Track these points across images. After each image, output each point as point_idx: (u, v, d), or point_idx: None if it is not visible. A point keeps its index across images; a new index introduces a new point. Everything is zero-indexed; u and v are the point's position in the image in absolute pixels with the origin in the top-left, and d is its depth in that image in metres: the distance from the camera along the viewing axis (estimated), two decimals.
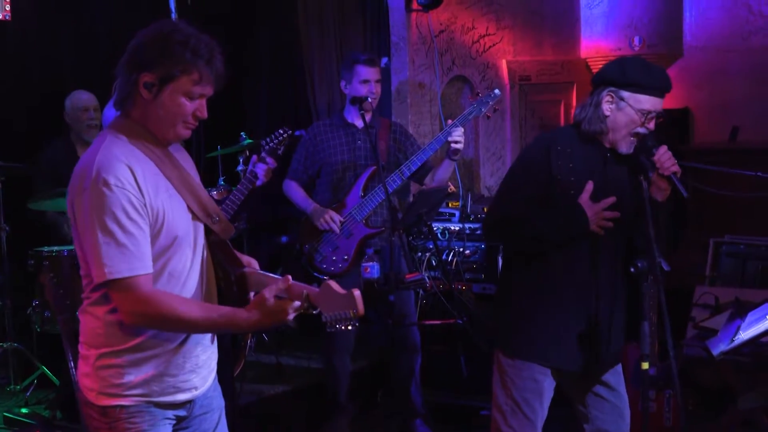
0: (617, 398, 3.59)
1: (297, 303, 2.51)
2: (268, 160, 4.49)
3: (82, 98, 5.78)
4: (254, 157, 4.51)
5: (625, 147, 3.36)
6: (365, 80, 4.94)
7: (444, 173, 4.94)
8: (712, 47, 8.06)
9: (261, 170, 4.46)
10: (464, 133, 4.79)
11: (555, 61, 7.80)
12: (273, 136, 4.55)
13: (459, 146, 4.74)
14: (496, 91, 4.83)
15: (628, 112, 3.31)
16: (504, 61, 7.32)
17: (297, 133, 4.69)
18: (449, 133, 4.72)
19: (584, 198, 3.34)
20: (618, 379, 3.61)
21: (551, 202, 3.39)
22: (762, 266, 5.84)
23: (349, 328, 2.46)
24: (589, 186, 3.34)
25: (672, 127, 8.02)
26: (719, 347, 4.07)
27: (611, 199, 3.33)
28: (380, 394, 5.62)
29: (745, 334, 4.02)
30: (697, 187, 6.16)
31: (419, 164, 4.88)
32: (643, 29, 7.80)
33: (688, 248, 6.84)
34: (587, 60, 8.03)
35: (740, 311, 4.05)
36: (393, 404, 5.38)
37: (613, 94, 3.33)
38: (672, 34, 7.92)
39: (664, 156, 3.28)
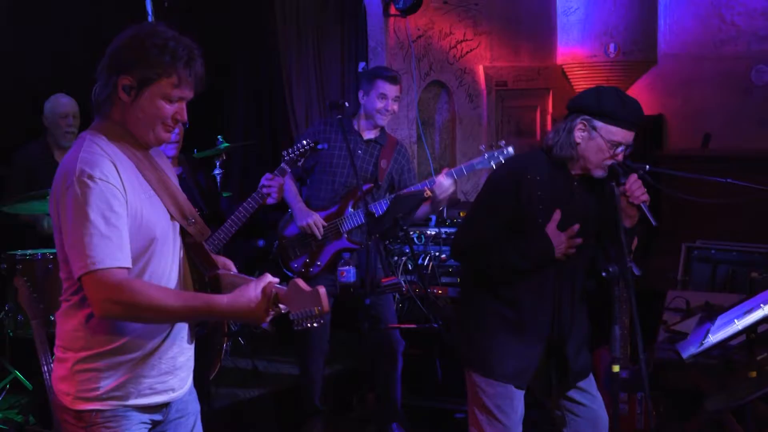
0: (591, 401, 3.66)
1: (282, 307, 2.51)
2: (286, 168, 4.50)
3: (62, 103, 5.71)
4: (267, 175, 4.51)
5: (601, 172, 3.42)
6: (383, 95, 4.94)
7: (422, 212, 4.98)
8: (686, 55, 8.15)
9: (274, 189, 4.46)
10: (459, 180, 4.85)
11: (531, 67, 7.85)
12: (295, 147, 4.57)
13: (446, 194, 4.77)
14: (510, 149, 4.80)
15: (598, 142, 3.37)
16: (481, 67, 7.37)
17: (320, 146, 4.69)
18: (447, 178, 4.75)
19: (551, 227, 3.41)
20: (589, 383, 3.68)
21: (519, 230, 3.45)
22: (732, 271, 5.91)
23: (315, 325, 2.45)
24: (557, 215, 3.41)
25: (646, 133, 8.10)
26: (689, 350, 4.11)
27: (575, 227, 3.40)
28: (356, 398, 5.64)
29: (715, 337, 4.06)
30: (670, 193, 6.22)
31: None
32: (618, 37, 7.88)
33: (661, 253, 6.91)
34: (563, 66, 8.10)
35: (710, 315, 4.09)
36: (369, 408, 5.40)
37: (586, 123, 3.38)
38: (647, 41, 8.01)
39: (634, 185, 3.34)
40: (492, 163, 4.78)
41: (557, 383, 3.60)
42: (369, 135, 5.05)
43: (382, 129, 5.09)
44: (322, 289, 2.44)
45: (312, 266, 4.97)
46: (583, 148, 3.40)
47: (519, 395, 3.60)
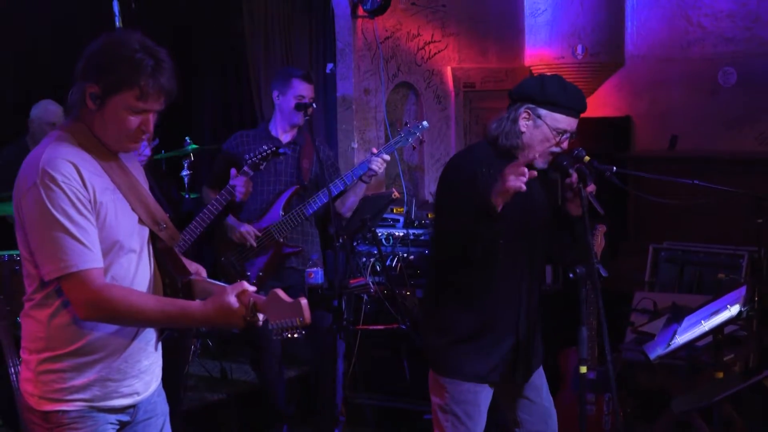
0: (542, 398, 3.67)
1: (261, 316, 2.50)
2: (249, 171, 4.52)
3: (50, 110, 5.67)
4: (233, 171, 4.53)
5: (542, 162, 3.41)
6: (301, 95, 4.90)
7: (355, 198, 4.97)
8: (653, 57, 8.20)
9: (240, 183, 4.47)
10: (387, 161, 4.84)
11: (499, 68, 7.87)
12: (257, 152, 4.58)
13: (379, 172, 4.78)
14: (425, 122, 4.86)
15: (544, 130, 3.36)
16: (449, 68, 7.38)
17: (281, 150, 4.68)
18: (374, 161, 4.75)
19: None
20: (541, 380, 3.69)
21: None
22: (699, 272, 5.96)
23: (296, 336, 2.47)
24: None
25: (613, 135, 8.16)
26: (656, 351, 4.14)
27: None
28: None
29: (681, 338, 4.09)
30: (637, 195, 6.26)
31: (341, 189, 4.88)
32: (586, 38, 7.92)
33: (628, 254, 6.96)
34: (531, 68, 8.13)
35: (677, 316, 4.12)
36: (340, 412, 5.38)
37: (530, 111, 3.37)
38: (614, 43, 8.06)
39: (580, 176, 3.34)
40: (409, 139, 4.83)
41: (522, 374, 3.58)
42: (287, 137, 5.02)
43: (299, 128, 5.02)
44: (303, 301, 2.44)
45: (253, 277, 4.91)
46: (528, 137, 3.38)
47: (486, 400, 3.58)
